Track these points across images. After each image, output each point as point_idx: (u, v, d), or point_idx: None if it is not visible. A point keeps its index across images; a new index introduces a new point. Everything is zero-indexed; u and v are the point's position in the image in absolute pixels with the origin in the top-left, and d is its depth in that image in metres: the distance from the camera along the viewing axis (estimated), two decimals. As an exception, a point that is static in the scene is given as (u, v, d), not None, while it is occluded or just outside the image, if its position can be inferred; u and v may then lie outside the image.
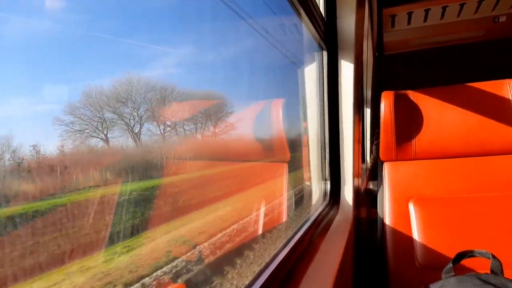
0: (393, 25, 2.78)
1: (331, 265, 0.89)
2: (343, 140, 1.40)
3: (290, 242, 0.88)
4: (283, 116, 1.43)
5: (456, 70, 3.32)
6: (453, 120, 1.33)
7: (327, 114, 1.38)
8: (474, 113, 1.33)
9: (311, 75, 1.40)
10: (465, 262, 0.98)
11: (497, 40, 3.12)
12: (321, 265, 0.88)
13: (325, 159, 1.40)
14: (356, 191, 1.45)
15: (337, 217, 1.32)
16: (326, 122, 1.39)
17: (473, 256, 0.97)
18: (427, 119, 1.36)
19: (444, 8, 2.54)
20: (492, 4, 2.53)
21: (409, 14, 2.60)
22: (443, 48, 3.28)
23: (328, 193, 1.39)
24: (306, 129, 1.45)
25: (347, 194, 1.41)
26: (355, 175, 1.42)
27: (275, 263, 0.75)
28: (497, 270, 0.92)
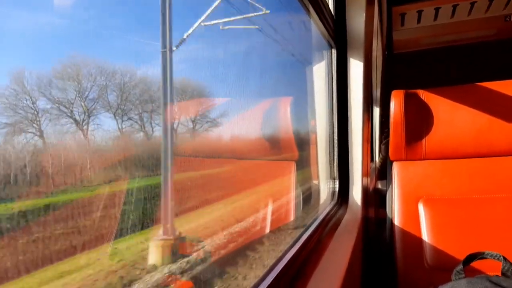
0: (402, 24, 2.75)
1: (339, 264, 0.89)
2: (352, 139, 1.39)
3: (299, 241, 0.88)
4: (291, 114, 1.43)
5: (467, 70, 3.28)
6: (464, 120, 1.32)
7: (336, 112, 1.38)
8: (485, 113, 1.30)
9: (320, 73, 1.40)
10: (476, 264, 0.97)
11: (509, 39, 3.07)
12: (330, 265, 0.88)
13: (333, 158, 1.39)
14: (365, 191, 1.43)
15: (346, 217, 1.31)
16: (335, 120, 1.38)
17: (483, 258, 0.96)
18: (437, 118, 1.34)
19: (454, 7, 2.51)
20: (503, 3, 2.49)
21: (419, 13, 2.57)
22: (454, 47, 3.24)
23: (337, 192, 1.38)
24: (314, 127, 1.44)
25: (356, 194, 1.40)
26: (364, 174, 1.41)
27: (284, 261, 0.75)
28: (508, 272, 0.91)
